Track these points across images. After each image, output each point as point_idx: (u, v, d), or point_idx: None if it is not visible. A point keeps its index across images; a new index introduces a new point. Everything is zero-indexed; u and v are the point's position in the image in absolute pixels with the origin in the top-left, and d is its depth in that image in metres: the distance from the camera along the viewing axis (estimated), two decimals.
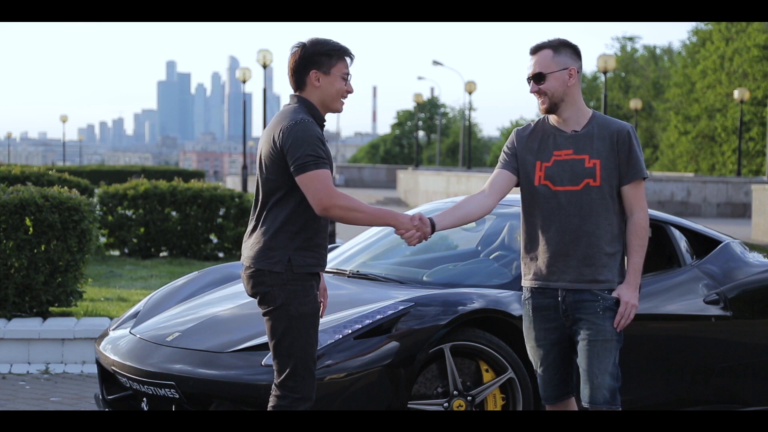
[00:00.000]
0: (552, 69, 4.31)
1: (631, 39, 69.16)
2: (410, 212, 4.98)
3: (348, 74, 4.28)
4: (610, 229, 4.32)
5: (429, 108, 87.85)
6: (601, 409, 4.30)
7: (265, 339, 4.90)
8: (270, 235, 4.14)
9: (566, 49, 4.36)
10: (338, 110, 4.32)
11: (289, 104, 4.30)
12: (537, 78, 4.34)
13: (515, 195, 6.90)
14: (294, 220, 4.14)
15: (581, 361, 4.33)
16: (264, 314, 4.18)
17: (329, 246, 6.97)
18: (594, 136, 4.33)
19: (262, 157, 4.21)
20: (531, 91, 4.39)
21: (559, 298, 4.37)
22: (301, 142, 4.07)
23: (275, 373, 4.19)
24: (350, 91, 4.30)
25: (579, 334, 4.34)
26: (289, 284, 4.11)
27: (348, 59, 4.27)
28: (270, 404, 4.18)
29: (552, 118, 4.43)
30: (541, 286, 4.42)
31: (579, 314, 4.33)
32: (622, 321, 4.30)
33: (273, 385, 4.20)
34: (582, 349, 4.32)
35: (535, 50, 4.36)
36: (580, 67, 4.38)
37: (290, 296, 4.11)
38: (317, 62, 4.22)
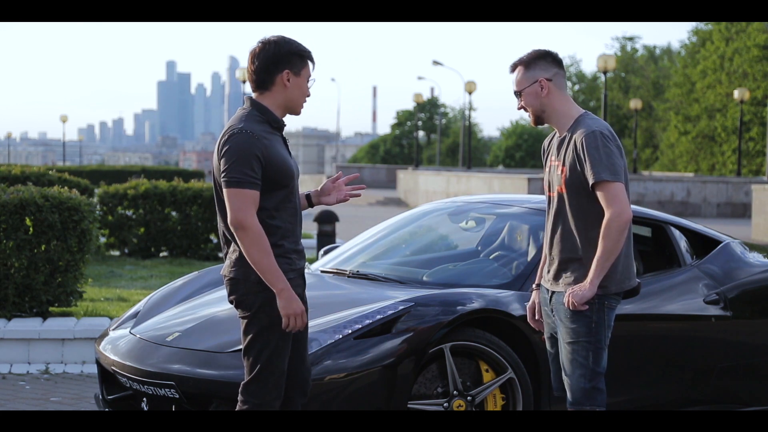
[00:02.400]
0: (524, 85, 4.44)
1: (631, 39, 69.15)
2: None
3: (312, 78, 4.23)
4: (583, 234, 4.37)
5: (429, 108, 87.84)
6: (573, 409, 4.37)
7: None
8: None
9: (538, 61, 4.45)
10: (298, 113, 4.26)
11: (242, 108, 4.21)
12: (516, 95, 4.50)
13: (515, 195, 6.92)
14: (265, 229, 4.06)
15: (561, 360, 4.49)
16: (240, 318, 4.17)
17: (329, 246, 6.99)
18: (568, 143, 4.41)
19: (214, 170, 4.18)
20: (517, 108, 4.54)
21: (548, 298, 4.53)
22: (234, 156, 4.01)
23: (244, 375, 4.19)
24: (308, 95, 4.24)
25: (558, 334, 4.48)
26: (262, 292, 4.08)
27: (311, 64, 4.22)
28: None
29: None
30: (542, 284, 4.61)
31: (557, 314, 4.46)
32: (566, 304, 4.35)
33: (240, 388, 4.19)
34: (559, 350, 4.47)
35: (512, 69, 4.51)
36: (556, 74, 4.44)
37: (263, 304, 4.08)
38: (290, 62, 4.12)
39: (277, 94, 4.15)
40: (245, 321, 4.13)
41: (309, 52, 4.19)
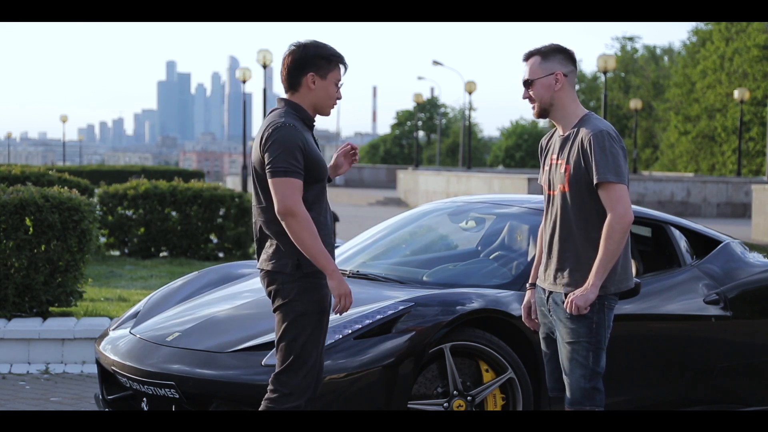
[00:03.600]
0: (538, 75, 4.41)
1: (631, 39, 69.14)
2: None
3: (341, 82, 4.34)
4: (583, 234, 4.36)
5: (429, 108, 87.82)
6: (572, 409, 4.37)
7: (265, 339, 4.93)
8: (279, 239, 4.24)
9: (556, 54, 4.43)
10: (327, 114, 4.40)
11: (276, 108, 4.35)
12: (526, 84, 4.46)
13: (515, 195, 6.92)
14: None
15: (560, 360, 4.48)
16: (274, 310, 4.28)
17: None
18: (572, 141, 4.39)
19: (255, 165, 4.29)
20: (522, 97, 4.51)
21: (545, 298, 4.51)
22: (280, 148, 4.16)
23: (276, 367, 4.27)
24: (339, 98, 4.37)
25: (556, 335, 4.48)
26: (298, 282, 4.21)
27: (342, 67, 4.34)
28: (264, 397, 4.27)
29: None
30: (538, 284, 4.59)
31: (556, 315, 4.45)
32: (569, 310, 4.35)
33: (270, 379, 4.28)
34: (559, 349, 4.46)
35: (527, 57, 4.47)
36: (571, 71, 4.43)
37: (299, 293, 4.21)
38: (316, 65, 4.27)
39: (303, 95, 4.30)
40: (281, 310, 4.24)
41: (337, 57, 4.31)
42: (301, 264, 4.21)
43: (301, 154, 4.17)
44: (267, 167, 4.17)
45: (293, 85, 4.29)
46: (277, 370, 4.24)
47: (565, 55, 4.43)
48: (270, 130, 4.19)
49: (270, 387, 4.24)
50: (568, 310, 4.33)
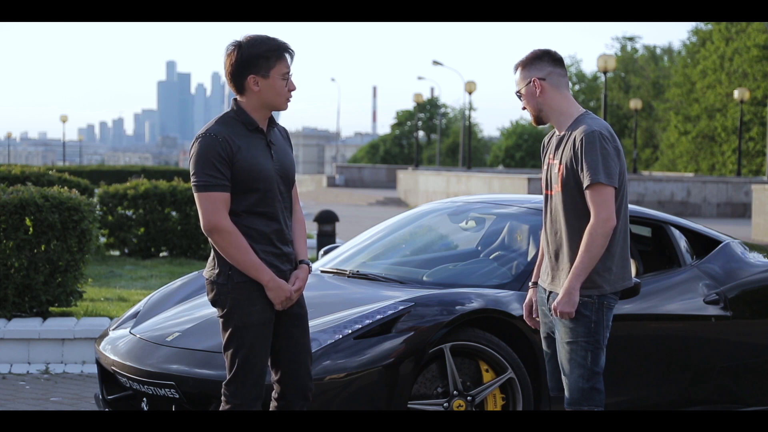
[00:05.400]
0: (521, 85, 4.48)
1: (631, 39, 69.14)
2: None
3: (288, 73, 4.10)
4: (578, 235, 4.35)
5: (429, 108, 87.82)
6: (571, 409, 4.38)
7: None
8: (214, 248, 4.13)
9: (534, 61, 4.46)
10: (283, 109, 4.20)
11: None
12: (517, 96, 4.53)
13: (515, 195, 6.92)
14: None
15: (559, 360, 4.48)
16: (218, 317, 4.20)
17: (329, 246, 6.98)
18: (566, 141, 4.40)
19: None
20: (521, 108, 4.58)
21: (546, 298, 4.52)
22: (199, 161, 4.01)
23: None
24: (292, 89, 4.15)
25: (555, 334, 4.48)
26: (231, 293, 4.09)
27: (288, 56, 4.10)
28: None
29: None
30: (539, 283, 4.61)
31: (554, 314, 4.42)
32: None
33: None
34: (557, 349, 4.46)
35: (514, 70, 4.53)
36: (550, 73, 4.43)
37: (234, 305, 4.09)
38: (255, 65, 4.04)
39: (250, 97, 4.10)
40: (221, 321, 4.15)
41: (276, 50, 4.06)
42: (233, 275, 4.08)
43: (224, 165, 3.98)
44: (191, 182, 4.04)
45: (238, 89, 4.08)
46: (225, 381, 4.15)
47: (544, 59, 4.45)
48: (193, 142, 4.06)
49: (223, 396, 4.16)
50: (558, 317, 4.34)
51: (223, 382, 4.17)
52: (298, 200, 4.38)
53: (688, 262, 6.02)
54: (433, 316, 4.98)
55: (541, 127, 5.25)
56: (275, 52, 4.06)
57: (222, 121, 4.10)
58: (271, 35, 4.12)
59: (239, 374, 4.10)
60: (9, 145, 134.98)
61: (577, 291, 4.28)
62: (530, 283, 4.73)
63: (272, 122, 4.20)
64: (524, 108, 4.52)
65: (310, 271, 4.27)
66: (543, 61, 4.45)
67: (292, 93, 4.17)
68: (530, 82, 4.42)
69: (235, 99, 4.15)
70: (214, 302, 4.16)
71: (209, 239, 4.06)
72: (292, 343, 4.21)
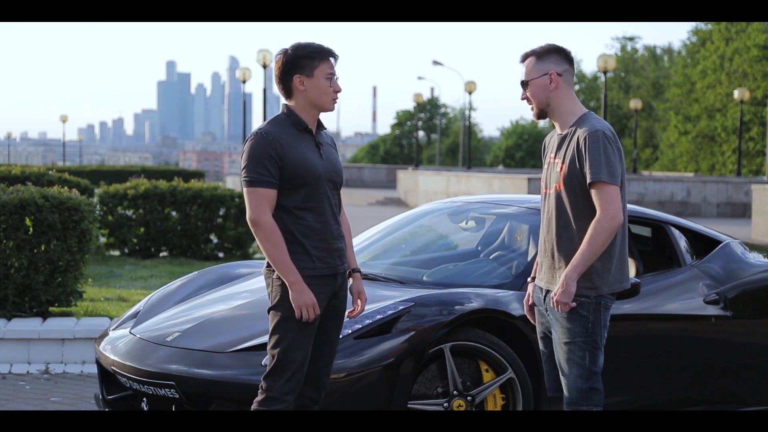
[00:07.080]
0: (533, 76, 4.43)
1: (631, 39, 69.11)
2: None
3: (332, 74, 4.32)
4: (577, 233, 4.35)
5: (429, 108, 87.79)
6: (569, 409, 4.38)
7: (263, 339, 4.93)
8: None
9: (552, 54, 4.44)
10: (330, 109, 4.37)
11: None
12: (523, 85, 4.48)
13: (515, 195, 6.92)
14: (282, 228, 4.25)
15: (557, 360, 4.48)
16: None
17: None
18: (569, 140, 4.40)
19: None
20: (520, 98, 4.53)
21: (543, 297, 4.51)
22: (249, 157, 4.23)
23: None
24: (337, 90, 4.34)
25: (552, 334, 4.47)
26: (281, 286, 4.25)
27: (332, 59, 4.32)
28: None
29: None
30: (537, 282, 4.59)
31: (552, 314, 4.45)
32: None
33: None
34: (555, 349, 4.46)
35: (523, 59, 4.50)
36: (566, 70, 4.44)
37: (281, 297, 4.24)
38: (300, 66, 4.28)
39: (297, 98, 4.32)
40: (270, 313, 4.30)
41: (320, 52, 4.30)
42: None
43: (272, 163, 4.20)
44: (240, 176, 4.26)
45: (287, 92, 4.32)
46: (264, 373, 4.29)
47: (561, 55, 4.45)
48: (246, 140, 4.28)
49: (260, 387, 4.28)
50: (556, 310, 4.34)
51: (263, 374, 4.28)
52: (343, 208, 4.54)
53: (688, 262, 6.02)
54: (433, 316, 4.98)
55: (541, 126, 5.25)
56: (319, 53, 4.30)
57: (274, 121, 4.31)
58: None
59: (277, 367, 4.22)
60: (9, 145, 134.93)
61: (575, 282, 4.28)
62: (529, 279, 4.73)
63: (320, 125, 4.41)
64: (525, 99, 4.47)
65: (362, 277, 4.51)
66: (560, 56, 4.44)
67: (338, 94, 4.35)
68: (546, 74, 4.40)
69: (286, 104, 4.35)
70: (268, 294, 4.32)
71: (252, 229, 4.24)
72: (320, 333, 4.34)
